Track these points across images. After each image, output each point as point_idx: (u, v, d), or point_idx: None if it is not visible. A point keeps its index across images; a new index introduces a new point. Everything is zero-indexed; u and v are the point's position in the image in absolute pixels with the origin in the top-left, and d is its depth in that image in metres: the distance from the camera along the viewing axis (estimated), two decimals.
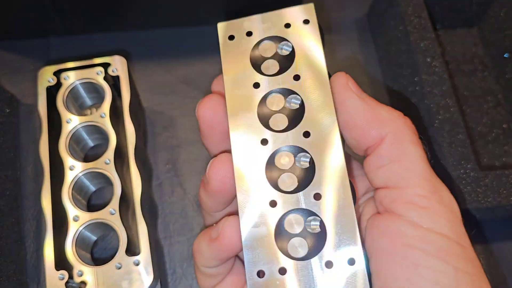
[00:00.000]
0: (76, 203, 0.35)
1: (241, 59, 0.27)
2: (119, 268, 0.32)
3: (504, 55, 0.48)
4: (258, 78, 0.26)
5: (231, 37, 0.28)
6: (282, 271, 0.23)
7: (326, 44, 0.52)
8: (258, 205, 0.24)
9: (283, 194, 0.24)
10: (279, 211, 0.24)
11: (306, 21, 0.28)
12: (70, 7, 0.44)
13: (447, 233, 0.22)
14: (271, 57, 0.27)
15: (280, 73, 0.26)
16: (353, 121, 0.25)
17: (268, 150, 0.25)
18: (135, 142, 0.36)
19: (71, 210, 0.34)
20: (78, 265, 0.33)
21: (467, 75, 0.50)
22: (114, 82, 0.38)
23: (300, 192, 0.24)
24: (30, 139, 0.44)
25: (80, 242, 0.34)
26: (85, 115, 0.38)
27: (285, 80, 0.26)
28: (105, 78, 0.38)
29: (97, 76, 0.38)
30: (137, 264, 0.33)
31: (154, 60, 0.48)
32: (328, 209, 0.24)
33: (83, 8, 0.45)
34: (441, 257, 0.22)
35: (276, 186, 0.25)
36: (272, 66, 0.27)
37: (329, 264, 0.23)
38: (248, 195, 0.25)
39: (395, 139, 0.24)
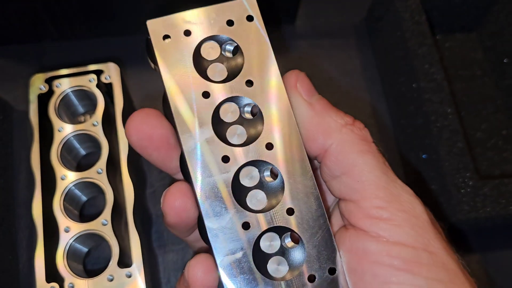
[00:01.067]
0: (68, 213, 0.34)
1: (182, 64, 0.24)
2: (111, 280, 0.32)
3: (504, 60, 0.47)
4: (206, 86, 0.24)
5: (166, 37, 0.24)
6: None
7: (325, 48, 0.52)
8: (230, 228, 0.23)
9: (252, 213, 0.23)
10: (255, 231, 0.23)
11: (249, 18, 0.25)
12: (63, 13, 0.44)
13: (413, 242, 0.22)
14: (216, 60, 0.24)
15: (229, 79, 0.24)
16: (300, 129, 0.24)
17: (231, 169, 0.23)
18: (128, 151, 0.36)
19: (62, 221, 0.33)
20: (69, 277, 0.32)
21: (466, 80, 0.50)
22: (107, 89, 0.38)
23: (271, 211, 0.23)
24: (23, 146, 0.43)
25: (71, 253, 0.33)
26: (77, 122, 0.37)
27: (237, 87, 0.24)
28: (98, 86, 0.37)
29: (90, 83, 0.37)
30: (129, 276, 0.32)
31: (147, 66, 0.47)
32: (302, 222, 0.23)
33: (76, 14, 0.44)
34: (409, 270, 0.21)
35: (245, 206, 0.23)
36: (219, 71, 0.24)
37: (311, 278, 0.22)
38: (214, 217, 0.23)
39: (340, 151, 0.23)
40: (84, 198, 0.38)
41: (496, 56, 0.49)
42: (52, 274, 0.32)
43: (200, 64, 0.24)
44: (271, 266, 0.23)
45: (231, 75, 0.24)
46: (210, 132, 0.23)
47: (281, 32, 0.51)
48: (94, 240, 0.35)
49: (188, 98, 0.23)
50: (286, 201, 0.23)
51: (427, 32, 0.43)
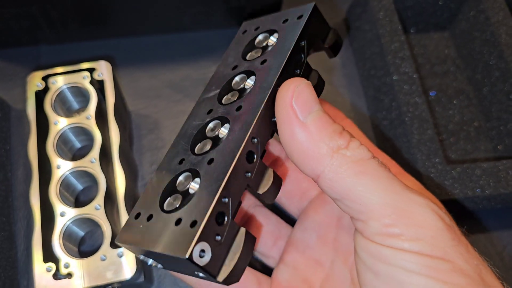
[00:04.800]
0: (64, 200, 0.36)
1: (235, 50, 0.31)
2: (104, 260, 0.34)
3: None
4: (240, 61, 0.30)
5: (245, 32, 0.33)
6: (150, 217, 0.25)
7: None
8: (172, 159, 0.27)
9: (193, 155, 0.26)
10: (181, 167, 0.26)
11: (300, 17, 0.29)
12: (59, 17, 0.46)
13: (429, 252, 0.21)
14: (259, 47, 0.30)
15: (261, 55, 0.29)
16: (289, 152, 0.24)
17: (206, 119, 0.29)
18: (119, 142, 0.38)
19: (59, 206, 0.36)
20: (65, 258, 0.34)
21: (440, 76, 0.53)
22: (100, 86, 0.41)
23: (200, 157, 0.26)
24: (20, 143, 0.46)
25: (67, 236, 0.36)
26: (72, 117, 0.40)
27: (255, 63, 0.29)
28: (91, 82, 0.40)
29: (84, 80, 0.40)
30: (121, 256, 0.34)
31: (140, 66, 0.50)
32: (208, 174, 0.24)
33: (71, 17, 0.47)
34: (427, 274, 0.21)
35: (193, 148, 0.27)
36: (255, 53, 0.30)
37: (178, 222, 0.23)
38: (172, 150, 0.28)
39: (332, 178, 0.23)
40: (79, 187, 0.41)
41: (468, 52, 0.52)
42: (49, 255, 0.35)
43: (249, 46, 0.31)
44: (168, 201, 0.25)
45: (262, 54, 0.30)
46: (217, 91, 0.29)
47: None
48: (89, 224, 0.37)
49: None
50: (212, 154, 0.25)
51: (399, 30, 0.46)
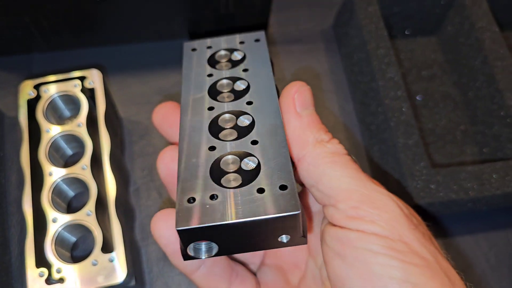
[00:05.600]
0: (56, 206, 0.37)
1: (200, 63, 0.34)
2: (95, 264, 0.35)
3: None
4: (211, 70, 0.33)
5: (194, 50, 0.35)
6: (213, 197, 0.24)
7: (296, 53, 0.56)
8: (197, 149, 0.27)
9: (221, 141, 0.28)
10: (216, 153, 0.27)
11: (257, 40, 0.34)
12: (50, 25, 0.47)
13: (388, 234, 0.24)
14: (226, 61, 0.34)
15: (232, 67, 0.33)
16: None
17: (211, 114, 0.30)
18: (110, 149, 0.39)
19: (51, 212, 0.37)
20: (57, 263, 0.35)
21: (427, 80, 0.54)
22: (91, 93, 0.41)
23: (238, 140, 0.27)
24: (14, 149, 0.46)
25: (59, 242, 0.37)
26: (64, 125, 0.40)
27: (236, 72, 0.32)
28: (82, 91, 0.41)
29: (75, 88, 0.41)
30: (112, 261, 0.35)
31: (131, 73, 0.51)
32: (263, 151, 0.26)
33: (62, 26, 0.48)
34: (387, 254, 0.23)
35: (217, 137, 0.28)
36: (224, 65, 0.33)
37: (261, 190, 0.24)
38: (189, 142, 0.28)
39: (311, 162, 0.26)
40: (71, 193, 0.41)
41: (454, 57, 0.53)
42: (41, 260, 0.35)
43: (213, 63, 0.34)
44: (225, 179, 0.25)
45: (233, 66, 0.33)
46: (205, 92, 0.31)
47: None
48: (80, 230, 0.38)
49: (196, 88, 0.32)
50: (252, 135, 0.28)
51: (385, 36, 0.47)
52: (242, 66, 0.33)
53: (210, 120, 0.29)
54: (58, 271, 0.35)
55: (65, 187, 0.39)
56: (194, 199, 0.24)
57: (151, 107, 0.49)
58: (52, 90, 0.41)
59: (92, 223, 0.36)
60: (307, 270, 0.32)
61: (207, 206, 0.24)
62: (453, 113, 0.52)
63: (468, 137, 0.50)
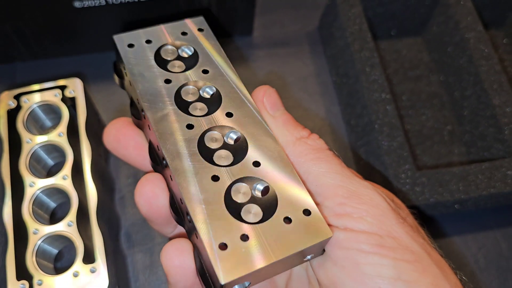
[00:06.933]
0: (37, 217, 0.37)
1: (147, 63, 0.29)
2: (77, 276, 0.35)
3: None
4: (168, 75, 0.29)
5: (131, 45, 0.30)
6: (244, 237, 0.23)
7: (281, 56, 0.55)
8: (201, 181, 0.24)
9: (222, 168, 0.25)
10: (222, 184, 0.25)
11: (200, 29, 0.31)
12: (32, 34, 0.47)
13: (376, 230, 0.24)
14: (175, 59, 0.30)
15: (187, 70, 0.29)
16: None
17: (196, 133, 0.27)
18: (91, 158, 0.39)
19: (31, 224, 0.36)
20: (37, 275, 0.35)
21: (414, 80, 0.53)
22: (72, 102, 0.41)
23: (239, 164, 0.25)
24: None
25: (41, 253, 0.36)
26: (45, 135, 0.40)
27: (195, 74, 0.29)
28: (63, 100, 0.40)
29: (55, 98, 0.40)
30: (93, 271, 0.35)
31: (112, 81, 0.50)
32: (268, 173, 0.25)
33: (44, 35, 0.47)
34: (377, 252, 0.23)
35: (212, 163, 0.25)
36: (177, 66, 0.30)
37: (287, 220, 0.24)
38: (187, 176, 0.25)
39: (293, 161, 0.26)
40: (53, 204, 0.41)
41: (440, 57, 0.53)
42: (22, 272, 0.35)
43: (162, 64, 0.29)
44: (245, 213, 0.24)
45: (188, 68, 0.30)
46: (173, 106, 0.28)
47: (239, 43, 0.54)
48: (62, 241, 0.38)
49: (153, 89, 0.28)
50: (251, 155, 0.26)
51: (369, 38, 0.46)
52: (199, 66, 0.29)
53: (197, 142, 0.26)
54: (39, 284, 0.34)
55: (45, 198, 0.39)
56: (226, 245, 0.23)
57: None
58: (32, 100, 0.40)
59: (73, 233, 0.36)
60: (292, 271, 0.32)
61: (243, 250, 0.22)
62: (440, 113, 0.52)
63: (456, 137, 0.50)
